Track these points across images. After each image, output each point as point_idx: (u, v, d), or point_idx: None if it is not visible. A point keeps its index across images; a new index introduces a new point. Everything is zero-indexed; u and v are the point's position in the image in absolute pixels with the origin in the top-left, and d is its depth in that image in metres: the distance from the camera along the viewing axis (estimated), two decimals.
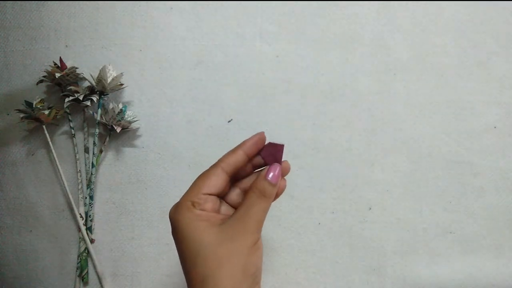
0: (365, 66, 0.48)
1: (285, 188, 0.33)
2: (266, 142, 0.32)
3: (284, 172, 0.32)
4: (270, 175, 0.30)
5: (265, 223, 0.47)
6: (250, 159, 0.32)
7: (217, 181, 0.30)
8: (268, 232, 0.46)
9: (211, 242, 0.27)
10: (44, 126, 0.46)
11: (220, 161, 0.31)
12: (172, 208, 0.30)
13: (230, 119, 0.47)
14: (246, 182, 0.33)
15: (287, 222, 0.46)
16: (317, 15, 0.48)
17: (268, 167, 0.31)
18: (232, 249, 0.27)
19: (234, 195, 0.33)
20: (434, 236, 0.46)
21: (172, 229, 0.29)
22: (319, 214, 0.46)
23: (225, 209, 0.32)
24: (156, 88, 0.48)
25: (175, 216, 0.29)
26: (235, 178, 0.33)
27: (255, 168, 0.33)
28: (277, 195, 0.32)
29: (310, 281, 0.46)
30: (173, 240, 0.29)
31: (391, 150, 0.47)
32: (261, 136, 0.32)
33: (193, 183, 0.30)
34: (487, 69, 0.47)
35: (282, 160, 0.32)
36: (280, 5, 0.48)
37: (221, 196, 0.32)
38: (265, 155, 0.32)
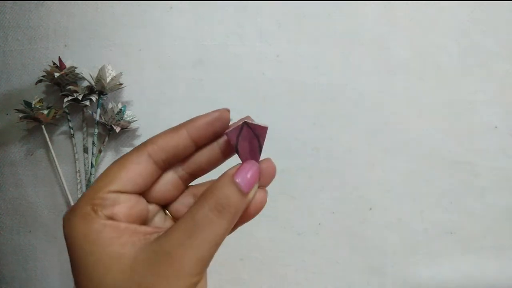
0: (365, 66, 0.47)
1: (263, 206, 0.20)
2: (238, 122, 0.21)
3: (265, 177, 0.20)
4: (241, 177, 0.18)
5: (264, 223, 0.47)
6: (198, 146, 0.21)
7: (136, 172, 0.19)
8: (268, 232, 0.46)
9: (118, 285, 0.17)
10: (43, 126, 0.45)
11: (148, 142, 0.20)
12: (64, 214, 0.19)
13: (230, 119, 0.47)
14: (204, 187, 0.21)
15: (287, 222, 0.46)
16: (317, 15, 0.48)
17: (239, 164, 0.20)
18: None
19: (184, 205, 0.21)
20: (435, 236, 0.46)
21: (67, 248, 0.19)
22: (319, 214, 0.46)
23: (161, 219, 0.21)
24: (155, 88, 0.48)
25: (66, 229, 0.19)
26: (191, 177, 0.22)
27: (225, 158, 0.22)
28: (247, 216, 0.20)
29: (310, 281, 0.46)
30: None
31: (391, 150, 0.47)
32: (221, 114, 0.21)
33: (99, 175, 0.19)
34: (488, 69, 0.47)
35: (264, 157, 0.20)
36: (280, 5, 0.48)
37: (164, 204, 0.22)
38: (238, 142, 0.20)
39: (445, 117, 0.47)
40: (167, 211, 0.22)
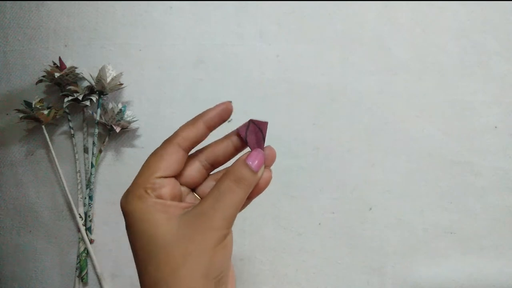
0: (365, 66, 0.48)
1: (270, 180, 0.27)
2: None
3: (269, 160, 0.27)
4: (251, 161, 0.25)
5: (265, 223, 0.47)
6: (211, 131, 0.27)
7: (173, 160, 0.25)
8: (268, 232, 0.46)
9: (167, 240, 0.23)
10: (43, 126, 0.46)
11: (175, 135, 0.26)
12: (122, 196, 0.25)
13: (230, 119, 0.47)
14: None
15: (287, 222, 0.46)
16: (317, 15, 0.48)
17: (249, 151, 0.26)
18: (191, 249, 0.22)
19: (208, 188, 0.28)
20: (435, 236, 0.46)
21: (125, 222, 0.24)
22: (319, 214, 0.46)
23: (192, 198, 0.27)
24: (155, 88, 0.48)
25: (126, 207, 0.24)
26: (212, 167, 0.28)
27: (237, 152, 0.28)
28: (258, 189, 0.26)
29: (310, 282, 0.46)
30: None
31: (391, 150, 0.47)
32: (227, 106, 0.27)
33: (143, 165, 0.25)
34: (488, 69, 0.47)
35: (266, 145, 0.27)
36: (280, 5, 0.48)
37: (192, 188, 0.28)
38: (247, 135, 0.27)
39: (445, 117, 0.47)
40: (195, 194, 0.28)
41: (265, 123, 0.27)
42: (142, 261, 0.23)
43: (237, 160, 0.25)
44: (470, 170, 0.46)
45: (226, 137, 0.28)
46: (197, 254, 0.23)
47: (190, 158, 0.27)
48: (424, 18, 0.48)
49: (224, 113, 0.27)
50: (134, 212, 0.23)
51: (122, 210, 0.24)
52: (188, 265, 0.22)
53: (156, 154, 0.25)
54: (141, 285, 0.24)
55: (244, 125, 0.27)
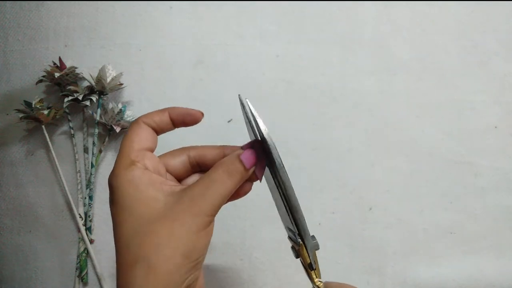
0: (365, 66, 0.48)
1: (249, 190, 0.28)
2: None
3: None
4: (245, 158, 0.25)
5: (265, 223, 0.47)
6: (175, 125, 0.29)
7: (146, 135, 0.27)
8: (268, 233, 0.46)
9: (154, 217, 0.23)
10: (43, 126, 0.46)
11: (143, 117, 0.28)
12: (110, 173, 0.25)
13: (230, 119, 0.47)
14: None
15: None
16: (317, 15, 0.48)
17: (243, 149, 0.26)
18: (177, 230, 0.23)
19: (192, 181, 0.27)
20: (435, 236, 0.46)
21: (109, 197, 0.25)
22: (319, 215, 0.46)
23: (170, 178, 0.28)
24: (156, 88, 0.48)
25: (114, 180, 0.24)
26: (197, 166, 0.29)
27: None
28: (242, 193, 0.28)
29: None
30: (110, 211, 0.25)
31: (391, 150, 0.47)
32: (195, 114, 0.28)
33: (121, 145, 0.26)
34: (488, 69, 0.47)
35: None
36: (280, 5, 0.48)
37: (179, 179, 0.29)
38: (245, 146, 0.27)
39: (445, 117, 0.47)
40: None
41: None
42: (124, 236, 0.24)
43: (231, 155, 0.26)
44: (470, 170, 0.46)
45: (222, 147, 0.28)
46: (182, 236, 0.23)
47: (180, 150, 0.29)
48: (424, 18, 0.48)
49: (189, 118, 0.28)
50: (122, 184, 0.24)
51: (110, 185, 0.25)
52: (171, 245, 0.23)
53: (129, 132, 0.27)
54: (118, 262, 0.24)
55: (249, 142, 0.28)
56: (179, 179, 0.29)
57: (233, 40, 0.48)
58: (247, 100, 0.26)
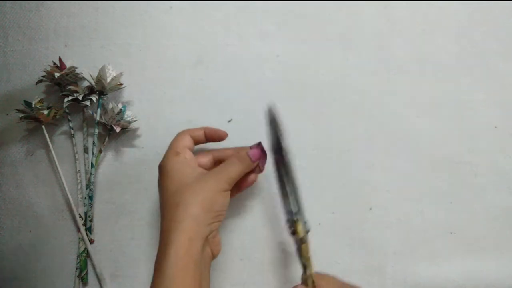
0: (365, 66, 0.48)
1: (254, 181, 0.41)
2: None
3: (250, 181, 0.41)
4: (252, 154, 0.38)
5: (265, 223, 0.47)
6: (208, 140, 0.41)
7: (185, 140, 0.39)
8: (268, 232, 0.46)
9: (189, 181, 0.35)
10: (43, 126, 0.46)
11: (188, 129, 0.41)
12: (161, 161, 0.38)
13: (230, 119, 0.47)
14: None
15: None
16: (317, 15, 0.48)
17: (250, 147, 0.39)
18: (204, 187, 0.35)
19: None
20: (435, 236, 0.46)
21: (159, 176, 0.38)
22: (319, 215, 0.46)
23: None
24: (156, 88, 0.48)
25: (165, 163, 0.37)
26: (219, 163, 0.40)
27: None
28: (248, 183, 0.40)
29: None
30: (158, 186, 0.38)
31: (391, 150, 0.47)
32: (222, 134, 0.41)
33: (171, 142, 0.39)
34: (488, 69, 0.47)
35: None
36: (280, 5, 0.48)
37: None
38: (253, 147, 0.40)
39: (445, 117, 0.47)
40: None
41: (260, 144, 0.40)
42: (169, 193, 0.35)
43: (244, 150, 0.39)
44: (470, 170, 0.46)
45: (237, 148, 0.41)
46: (207, 190, 0.35)
47: (207, 152, 0.42)
48: (424, 18, 0.48)
49: (216, 136, 0.41)
50: (169, 164, 0.37)
51: (161, 167, 0.37)
52: (201, 195, 0.34)
53: (178, 136, 0.40)
54: (164, 210, 0.36)
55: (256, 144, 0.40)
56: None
57: (233, 40, 0.48)
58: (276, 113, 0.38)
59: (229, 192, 0.37)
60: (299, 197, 0.38)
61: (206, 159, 0.40)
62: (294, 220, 0.37)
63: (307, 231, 0.37)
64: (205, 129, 0.41)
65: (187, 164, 0.37)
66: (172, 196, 0.35)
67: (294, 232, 0.37)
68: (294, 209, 0.37)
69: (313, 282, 0.36)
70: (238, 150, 0.40)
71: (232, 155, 0.39)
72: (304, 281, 0.36)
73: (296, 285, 0.35)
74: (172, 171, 0.36)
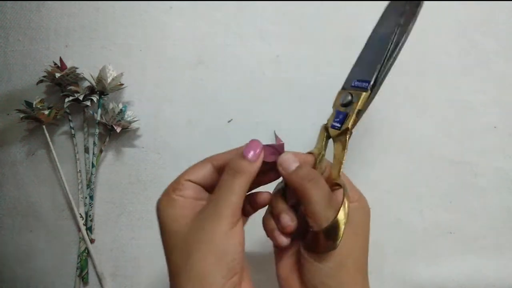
0: None
1: (272, 180, 0.31)
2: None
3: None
4: (248, 152, 0.27)
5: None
6: None
7: (202, 172, 0.28)
8: None
9: (185, 232, 0.26)
10: (44, 126, 0.46)
11: (212, 156, 0.30)
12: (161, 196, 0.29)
13: (230, 119, 0.47)
14: None
15: None
16: (317, 15, 0.48)
17: (247, 144, 0.28)
18: (203, 237, 0.25)
19: None
20: (434, 236, 0.46)
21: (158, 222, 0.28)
22: None
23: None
24: (156, 88, 0.48)
25: (157, 205, 0.28)
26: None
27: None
28: (268, 179, 0.30)
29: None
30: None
31: (391, 150, 0.47)
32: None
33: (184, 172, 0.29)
34: (487, 69, 0.47)
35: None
36: (280, 5, 0.48)
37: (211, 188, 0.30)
38: (266, 156, 0.28)
39: (445, 117, 0.47)
40: None
41: (281, 145, 0.29)
42: (168, 251, 0.27)
43: (235, 154, 0.28)
44: (470, 170, 0.46)
45: (239, 148, 0.30)
46: (208, 241, 0.25)
47: (202, 162, 0.30)
48: (424, 18, 0.48)
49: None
50: (160, 209, 0.27)
51: (157, 207, 0.28)
52: (201, 251, 0.25)
53: (193, 164, 0.30)
54: (169, 275, 0.27)
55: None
56: (211, 188, 0.29)
57: (233, 40, 0.48)
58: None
59: (240, 225, 0.27)
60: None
61: (204, 172, 0.29)
62: (366, 88, 0.30)
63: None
64: (237, 150, 0.29)
65: (179, 206, 0.27)
66: (171, 258, 0.26)
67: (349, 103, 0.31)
68: (370, 78, 0.30)
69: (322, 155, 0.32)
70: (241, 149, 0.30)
71: (224, 171, 0.28)
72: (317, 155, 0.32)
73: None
74: (163, 222, 0.27)
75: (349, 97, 0.31)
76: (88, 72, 0.46)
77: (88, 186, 0.46)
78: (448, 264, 0.45)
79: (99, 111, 0.46)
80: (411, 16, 0.26)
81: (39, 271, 0.46)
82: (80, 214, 0.46)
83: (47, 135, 0.46)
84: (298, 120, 0.47)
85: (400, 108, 0.47)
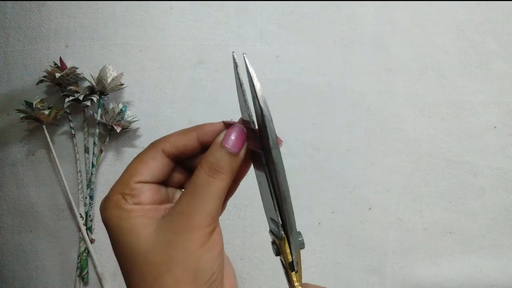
0: (365, 66, 0.48)
1: (246, 171, 0.24)
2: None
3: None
4: (228, 141, 0.21)
5: (265, 222, 0.47)
6: (203, 148, 0.23)
7: (155, 166, 0.23)
8: (268, 232, 0.46)
9: (147, 247, 0.20)
10: (44, 126, 0.46)
11: (162, 139, 0.23)
12: (101, 203, 0.22)
13: (230, 119, 0.47)
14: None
15: None
16: (317, 15, 0.48)
17: (225, 132, 0.22)
18: (174, 255, 0.20)
19: (179, 175, 0.24)
20: (434, 236, 0.46)
21: (107, 232, 0.22)
22: (319, 214, 0.46)
23: (174, 194, 0.25)
24: (156, 88, 0.48)
25: (103, 214, 0.22)
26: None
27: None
28: (243, 171, 0.24)
29: (310, 281, 0.46)
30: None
31: (391, 150, 0.47)
32: (225, 126, 0.23)
33: (125, 169, 0.23)
34: (487, 69, 0.47)
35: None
36: (280, 5, 0.48)
37: (181, 187, 0.25)
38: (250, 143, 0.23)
39: (445, 117, 0.47)
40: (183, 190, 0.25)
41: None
42: (126, 271, 0.21)
43: (212, 144, 0.22)
44: (470, 170, 0.46)
45: (220, 122, 0.24)
46: (181, 259, 0.20)
47: (188, 130, 0.24)
48: (424, 18, 0.48)
49: (218, 129, 0.24)
50: (111, 219, 0.21)
51: (102, 218, 0.22)
52: (173, 273, 0.20)
53: (138, 158, 0.23)
54: None
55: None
56: (170, 180, 0.25)
57: (233, 40, 0.48)
58: (244, 55, 0.21)
59: (217, 235, 0.22)
60: (287, 206, 0.22)
61: (156, 166, 0.23)
62: (279, 236, 0.24)
63: (301, 248, 0.24)
64: (198, 132, 0.23)
65: (137, 215, 0.21)
66: (130, 278, 0.21)
67: (278, 253, 0.25)
68: (278, 220, 0.23)
69: None
70: (206, 137, 0.23)
71: (198, 164, 0.22)
72: None
73: None
74: (116, 236, 0.21)
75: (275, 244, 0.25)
76: (88, 72, 0.46)
77: (88, 186, 0.46)
78: (448, 264, 0.45)
79: (99, 111, 0.46)
80: (271, 162, 0.21)
81: (39, 271, 0.46)
82: (80, 214, 0.46)
83: (47, 135, 0.46)
84: (298, 120, 0.47)
85: (400, 108, 0.47)
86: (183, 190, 0.25)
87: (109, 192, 0.22)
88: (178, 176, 0.24)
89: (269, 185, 0.22)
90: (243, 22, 0.48)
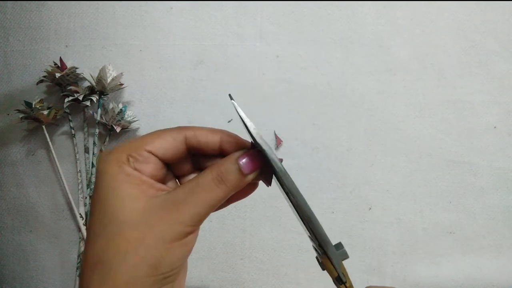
0: (365, 66, 0.48)
1: (255, 189, 0.25)
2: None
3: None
4: (245, 161, 0.22)
5: (265, 222, 0.47)
6: (221, 152, 0.24)
7: (171, 144, 0.22)
8: (268, 232, 0.46)
9: (127, 219, 0.20)
10: (43, 126, 0.46)
11: (189, 127, 0.23)
12: (103, 154, 0.22)
13: (230, 119, 0.47)
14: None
15: (287, 222, 0.46)
16: (317, 15, 0.48)
17: (246, 150, 0.22)
18: (147, 237, 0.20)
19: (184, 167, 0.25)
20: (434, 236, 0.46)
21: (95, 182, 0.22)
22: (319, 214, 0.46)
23: (173, 185, 0.25)
24: (156, 88, 0.48)
25: (101, 164, 0.21)
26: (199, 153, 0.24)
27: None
28: (241, 194, 0.24)
29: (310, 281, 0.46)
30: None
31: (391, 150, 0.47)
32: (246, 143, 0.24)
33: (140, 137, 0.23)
34: (487, 69, 0.47)
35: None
36: (280, 5, 0.48)
37: (179, 176, 0.25)
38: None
39: (445, 117, 0.47)
40: (177, 180, 0.25)
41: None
42: (93, 232, 0.21)
43: (230, 155, 0.22)
44: (470, 170, 0.46)
45: (219, 131, 0.24)
46: (152, 244, 0.20)
47: (176, 130, 0.23)
48: (423, 18, 0.48)
49: (242, 145, 0.24)
50: (106, 174, 0.21)
51: (96, 168, 0.22)
52: (139, 253, 0.20)
53: (158, 131, 0.23)
54: (84, 257, 0.21)
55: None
56: (183, 175, 0.25)
57: (233, 40, 0.48)
58: (233, 101, 0.22)
59: (193, 236, 0.22)
60: (314, 225, 0.23)
61: (172, 145, 0.23)
62: (320, 254, 0.25)
63: (344, 259, 0.25)
64: (222, 135, 0.23)
65: (132, 182, 0.21)
66: (94, 242, 0.20)
67: (323, 268, 0.26)
68: (312, 238, 0.24)
69: None
70: (221, 135, 0.24)
71: (209, 167, 0.22)
72: None
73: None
74: (104, 192, 0.21)
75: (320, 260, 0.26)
76: (88, 72, 0.46)
77: (88, 186, 0.46)
78: (448, 264, 0.45)
79: (99, 111, 0.46)
80: (287, 189, 0.22)
81: (39, 271, 0.46)
82: (80, 214, 0.46)
83: (47, 135, 0.46)
84: (298, 120, 0.47)
85: (400, 108, 0.47)
86: (177, 181, 0.25)
87: (116, 148, 0.22)
88: (183, 167, 0.25)
89: (291, 206, 0.23)
90: (243, 22, 0.48)
